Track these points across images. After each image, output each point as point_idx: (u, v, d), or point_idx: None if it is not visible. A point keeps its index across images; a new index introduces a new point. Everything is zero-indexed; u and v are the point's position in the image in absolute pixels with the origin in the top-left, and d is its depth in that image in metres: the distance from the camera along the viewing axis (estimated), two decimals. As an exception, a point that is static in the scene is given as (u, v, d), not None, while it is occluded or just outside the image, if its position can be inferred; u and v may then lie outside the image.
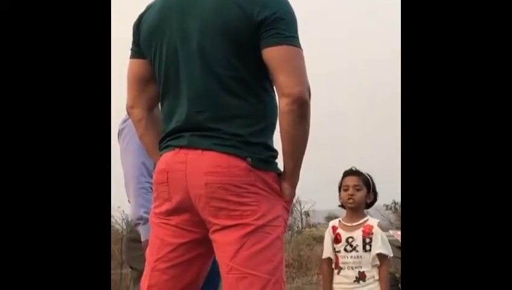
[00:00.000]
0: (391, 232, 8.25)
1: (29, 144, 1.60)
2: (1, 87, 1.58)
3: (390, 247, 3.35)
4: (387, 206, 14.48)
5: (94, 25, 1.73)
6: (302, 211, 14.90)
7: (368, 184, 3.39)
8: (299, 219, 14.98)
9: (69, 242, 1.60)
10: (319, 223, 14.36)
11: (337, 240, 3.37)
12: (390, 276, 7.54)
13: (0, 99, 1.57)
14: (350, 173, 3.43)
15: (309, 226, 14.54)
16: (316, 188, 14.03)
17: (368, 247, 3.28)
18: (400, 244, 7.55)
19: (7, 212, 1.54)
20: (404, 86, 1.59)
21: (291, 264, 11.06)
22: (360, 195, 3.36)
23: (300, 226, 14.85)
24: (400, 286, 7.53)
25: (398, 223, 11.93)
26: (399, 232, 7.92)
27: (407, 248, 1.56)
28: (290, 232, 14.19)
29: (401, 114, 1.58)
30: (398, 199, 13.80)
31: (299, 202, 14.79)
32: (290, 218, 14.69)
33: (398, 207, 13.89)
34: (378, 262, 3.27)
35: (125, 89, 2.18)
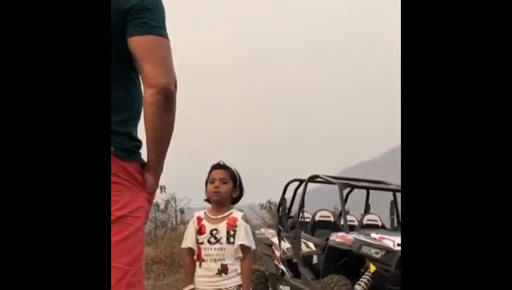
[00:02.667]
0: (263, 230, 8.41)
1: (29, 144, 1.57)
2: (1, 88, 1.56)
3: (253, 240, 3.41)
4: (262, 205, 14.74)
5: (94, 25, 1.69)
6: (177, 208, 14.84)
7: (234, 179, 3.42)
8: (173, 215, 14.91)
9: (69, 242, 1.56)
10: (193, 221, 14.33)
11: (201, 231, 3.37)
12: (259, 273, 7.75)
13: (1, 100, 1.55)
14: (217, 166, 3.44)
15: (183, 223, 14.51)
16: (192, 185, 14.04)
17: (231, 239, 3.30)
18: (270, 242, 7.70)
19: (7, 209, 1.52)
20: (404, 87, 1.58)
21: (163, 261, 10.97)
22: (226, 188, 3.38)
23: (174, 223, 14.77)
24: (268, 283, 7.68)
25: (272, 222, 12.15)
26: (270, 231, 8.07)
27: (407, 248, 1.57)
28: (163, 229, 14.10)
29: (401, 115, 1.58)
30: (273, 199, 14.10)
31: (174, 199, 14.73)
32: (165, 215, 14.60)
33: (273, 206, 14.15)
34: (241, 254, 3.31)
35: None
